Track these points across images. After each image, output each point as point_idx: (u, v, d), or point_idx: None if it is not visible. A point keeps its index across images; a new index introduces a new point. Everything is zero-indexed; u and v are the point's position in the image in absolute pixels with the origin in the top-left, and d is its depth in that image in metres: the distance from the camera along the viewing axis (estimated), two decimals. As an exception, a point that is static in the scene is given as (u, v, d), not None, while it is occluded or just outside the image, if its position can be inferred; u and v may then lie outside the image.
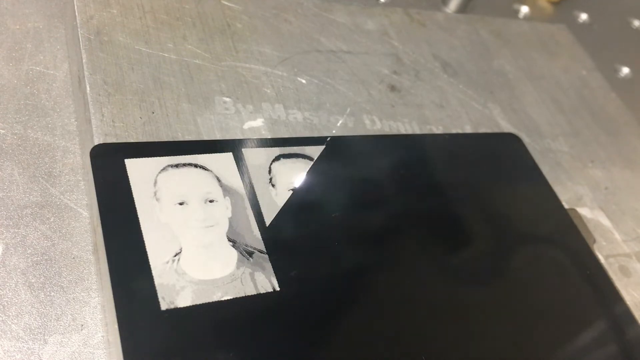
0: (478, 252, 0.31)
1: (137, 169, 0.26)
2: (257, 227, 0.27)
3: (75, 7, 0.31)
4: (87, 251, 0.26)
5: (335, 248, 0.28)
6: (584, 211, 0.36)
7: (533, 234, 0.33)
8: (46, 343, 0.23)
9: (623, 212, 0.37)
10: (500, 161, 0.36)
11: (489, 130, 0.37)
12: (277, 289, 0.25)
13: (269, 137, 0.30)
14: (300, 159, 0.30)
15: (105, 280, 0.23)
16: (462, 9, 0.47)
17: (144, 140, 0.28)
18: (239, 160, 0.28)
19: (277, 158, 0.29)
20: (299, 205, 0.28)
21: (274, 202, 0.28)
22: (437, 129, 0.36)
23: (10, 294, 0.24)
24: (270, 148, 0.30)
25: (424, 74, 0.39)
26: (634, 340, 0.31)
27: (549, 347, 0.29)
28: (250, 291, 0.25)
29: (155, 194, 0.26)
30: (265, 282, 0.25)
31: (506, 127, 0.38)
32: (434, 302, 0.28)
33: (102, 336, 0.24)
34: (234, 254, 0.26)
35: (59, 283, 0.25)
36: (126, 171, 0.26)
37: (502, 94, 0.40)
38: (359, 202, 0.30)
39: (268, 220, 0.27)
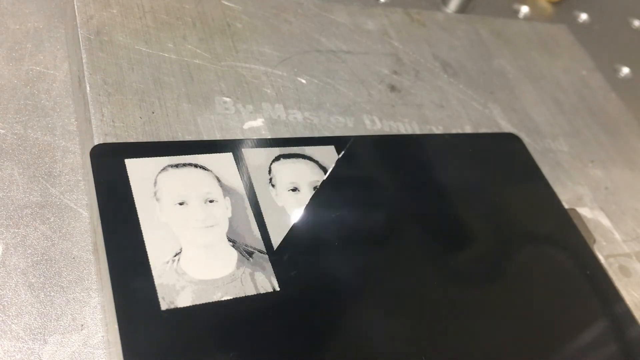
0: (478, 252, 0.31)
1: (137, 169, 0.26)
2: (257, 227, 0.27)
3: (75, 7, 0.31)
4: (87, 251, 0.26)
5: (335, 248, 0.28)
6: (584, 211, 0.36)
7: (533, 234, 0.33)
8: (46, 343, 0.23)
9: (623, 212, 0.37)
10: (500, 161, 0.36)
11: (489, 130, 0.37)
12: (277, 289, 0.25)
13: (269, 137, 0.30)
14: (300, 159, 0.30)
15: (105, 280, 0.23)
16: (462, 9, 0.47)
17: (144, 140, 0.28)
18: (239, 160, 0.28)
19: (277, 158, 0.29)
20: (298, 205, 0.28)
21: (274, 202, 0.28)
22: (437, 129, 0.36)
23: (10, 294, 0.24)
24: (270, 148, 0.30)
25: (424, 74, 0.39)
26: (634, 340, 0.31)
27: (549, 347, 0.29)
28: (250, 291, 0.25)
29: (155, 194, 0.26)
30: (265, 282, 0.25)
31: (506, 127, 0.38)
32: (433, 302, 0.28)
33: (102, 336, 0.24)
34: (234, 254, 0.26)
35: (59, 283, 0.25)
36: (126, 171, 0.26)
37: (502, 94, 0.40)
38: (359, 202, 0.30)
39: (268, 220, 0.27)
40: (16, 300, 0.24)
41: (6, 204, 0.26)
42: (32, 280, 0.24)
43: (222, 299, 0.24)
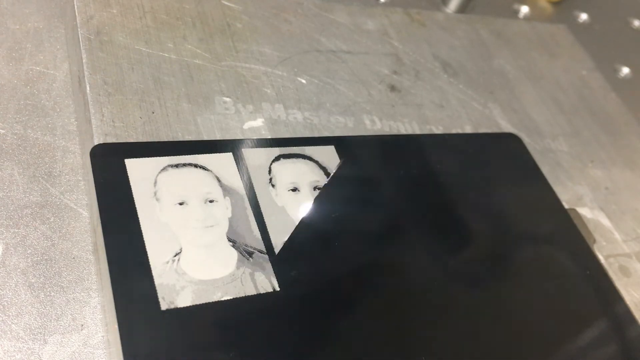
0: (478, 252, 0.31)
1: (137, 169, 0.26)
2: (257, 227, 0.27)
3: (75, 7, 0.31)
4: (87, 251, 0.26)
5: (335, 248, 0.28)
6: (584, 211, 0.36)
7: (533, 234, 0.33)
8: (46, 343, 0.23)
9: (623, 212, 0.37)
10: (500, 161, 0.36)
11: (489, 130, 0.37)
12: (277, 289, 0.25)
13: (269, 137, 0.30)
14: (300, 159, 0.30)
15: (105, 280, 0.23)
16: (462, 9, 0.47)
17: (144, 140, 0.28)
18: (239, 160, 0.28)
19: (277, 158, 0.29)
20: (298, 205, 0.28)
21: (274, 202, 0.28)
22: (437, 129, 0.36)
23: (10, 294, 0.24)
24: (270, 148, 0.30)
25: (424, 74, 0.39)
26: (634, 340, 0.31)
27: (549, 347, 0.29)
28: (250, 291, 0.25)
29: (155, 194, 0.26)
30: (265, 282, 0.25)
31: (506, 127, 0.38)
32: (433, 302, 0.28)
33: (102, 336, 0.24)
34: (234, 254, 0.26)
35: (59, 283, 0.25)
36: (126, 171, 0.26)
37: (502, 94, 0.40)
38: (359, 202, 0.30)
39: (268, 220, 0.27)
40: (16, 300, 0.24)
41: (6, 204, 0.26)
42: (32, 280, 0.24)
43: (222, 299, 0.24)
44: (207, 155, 0.28)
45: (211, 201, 0.27)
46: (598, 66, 0.47)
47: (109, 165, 0.26)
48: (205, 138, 0.29)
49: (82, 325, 0.24)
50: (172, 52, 0.32)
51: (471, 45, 0.43)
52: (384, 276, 0.28)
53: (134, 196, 0.25)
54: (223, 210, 0.27)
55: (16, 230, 0.25)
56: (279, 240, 0.27)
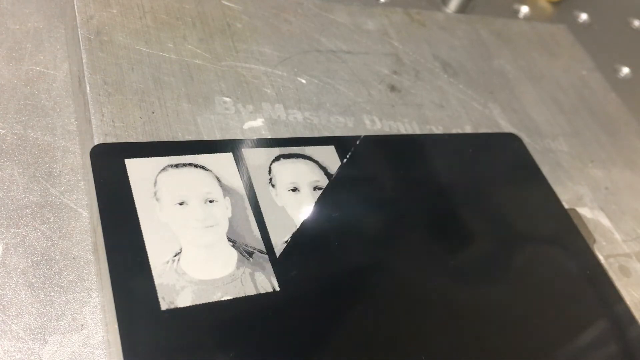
0: (478, 252, 0.31)
1: (137, 169, 0.26)
2: (257, 227, 0.27)
3: (75, 7, 0.31)
4: (87, 251, 0.26)
5: (335, 248, 0.28)
6: (584, 211, 0.36)
7: (533, 234, 0.33)
8: (46, 343, 0.23)
9: (623, 212, 0.37)
10: (500, 161, 0.36)
11: (489, 130, 0.37)
12: (277, 289, 0.25)
13: (269, 137, 0.30)
14: (300, 159, 0.30)
15: (105, 280, 0.23)
16: (462, 9, 0.47)
17: (144, 140, 0.28)
18: (239, 160, 0.28)
19: (277, 158, 0.29)
20: (298, 205, 0.28)
21: (274, 202, 0.28)
22: (437, 129, 0.36)
23: (10, 294, 0.24)
24: (270, 148, 0.30)
25: (424, 74, 0.39)
26: (634, 340, 0.31)
27: (549, 347, 0.29)
28: (250, 291, 0.25)
29: (155, 194, 0.26)
30: (265, 282, 0.25)
31: (506, 127, 0.38)
32: (433, 302, 0.28)
33: (102, 336, 0.24)
34: (234, 254, 0.26)
35: (59, 283, 0.25)
36: (126, 171, 0.26)
37: (502, 94, 0.40)
38: (359, 202, 0.30)
39: (268, 220, 0.27)
40: (16, 300, 0.24)
41: (6, 204, 0.26)
42: (32, 280, 0.24)
43: (222, 299, 0.24)
44: (207, 155, 0.28)
45: (211, 201, 0.27)
46: (598, 66, 0.47)
47: (109, 165, 0.26)
48: (205, 138, 0.29)
49: (82, 325, 0.24)
50: (172, 52, 0.32)
51: (471, 45, 0.43)
52: (384, 276, 0.28)
53: (134, 196, 0.25)
54: (223, 210, 0.27)
55: (16, 230, 0.25)
56: (279, 240, 0.27)
